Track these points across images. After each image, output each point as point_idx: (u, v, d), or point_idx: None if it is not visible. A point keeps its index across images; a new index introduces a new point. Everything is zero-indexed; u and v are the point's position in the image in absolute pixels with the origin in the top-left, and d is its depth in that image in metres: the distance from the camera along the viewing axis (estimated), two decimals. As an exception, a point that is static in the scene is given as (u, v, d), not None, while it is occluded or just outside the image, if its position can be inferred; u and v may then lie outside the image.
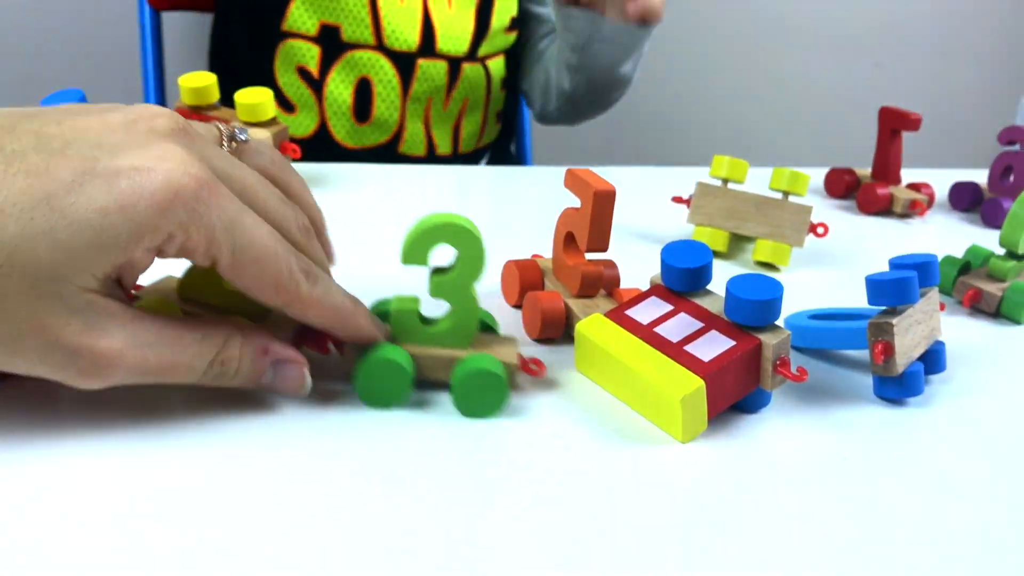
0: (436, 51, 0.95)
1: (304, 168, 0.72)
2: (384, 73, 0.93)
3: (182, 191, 0.30)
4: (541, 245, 0.57)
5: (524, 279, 0.49)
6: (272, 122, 0.63)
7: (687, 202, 0.64)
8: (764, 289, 0.41)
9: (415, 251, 0.39)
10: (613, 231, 0.47)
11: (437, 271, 0.40)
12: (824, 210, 0.79)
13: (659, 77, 1.71)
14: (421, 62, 0.95)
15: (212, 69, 1.02)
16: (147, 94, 1.07)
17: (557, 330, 0.46)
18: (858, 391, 0.45)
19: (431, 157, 0.99)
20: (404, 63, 0.95)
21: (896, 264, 0.47)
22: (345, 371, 0.39)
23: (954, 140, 1.88)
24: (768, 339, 0.41)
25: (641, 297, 0.44)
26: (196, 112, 0.68)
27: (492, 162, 1.11)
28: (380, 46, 0.93)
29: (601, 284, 0.48)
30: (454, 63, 0.96)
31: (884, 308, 0.44)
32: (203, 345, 0.33)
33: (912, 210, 0.77)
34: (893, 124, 0.79)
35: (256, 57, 0.93)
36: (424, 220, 0.39)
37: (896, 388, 0.44)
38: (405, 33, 0.93)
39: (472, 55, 0.98)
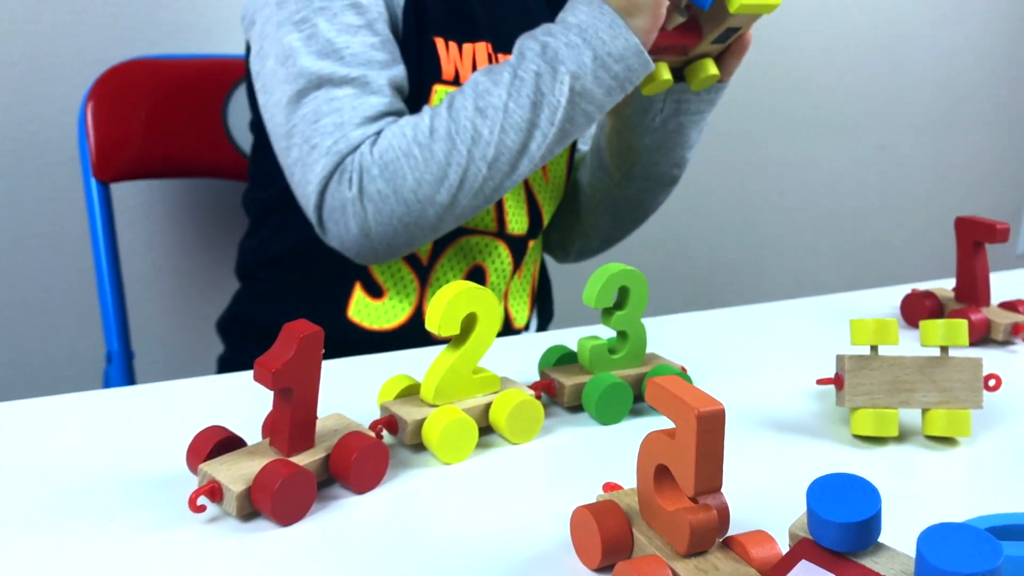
0: (543, 228, 0.87)
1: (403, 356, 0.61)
2: (501, 260, 0.82)
3: None
4: (612, 452, 0.44)
5: (606, 534, 0.36)
6: None
7: (835, 381, 0.51)
8: (976, 549, 0.28)
9: (603, 296, 0.50)
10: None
11: (609, 310, 0.51)
12: (910, 344, 0.66)
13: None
14: (532, 243, 0.85)
15: (249, 243, 0.86)
16: (99, 270, 0.93)
17: (668, 614, 0.33)
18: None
19: (507, 330, 0.86)
20: (518, 247, 0.84)
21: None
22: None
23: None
24: (993, 625, 0.28)
25: (786, 565, 0.32)
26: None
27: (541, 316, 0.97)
28: (501, 232, 0.81)
29: (716, 532, 0.35)
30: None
31: None
32: None
33: (1015, 335, 0.65)
34: (975, 236, 0.68)
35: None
36: (600, 272, 0.50)
37: None
38: (518, 216, 0.82)
39: None
